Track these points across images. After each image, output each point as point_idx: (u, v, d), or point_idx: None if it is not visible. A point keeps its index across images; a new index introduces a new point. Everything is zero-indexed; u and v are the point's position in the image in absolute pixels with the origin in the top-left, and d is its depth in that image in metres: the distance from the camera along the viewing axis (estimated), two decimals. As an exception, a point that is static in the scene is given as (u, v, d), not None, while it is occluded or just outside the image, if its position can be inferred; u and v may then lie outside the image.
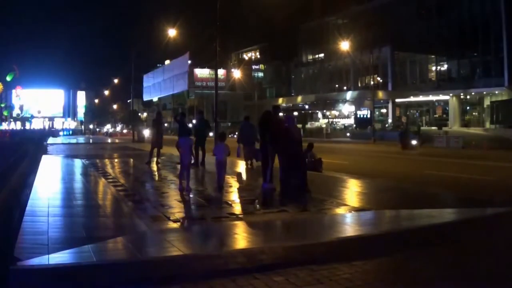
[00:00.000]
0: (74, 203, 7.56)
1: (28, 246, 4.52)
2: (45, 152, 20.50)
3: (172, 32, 33.63)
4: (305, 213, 6.71)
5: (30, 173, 11.97)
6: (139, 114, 75.55)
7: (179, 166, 9.20)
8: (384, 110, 51.14)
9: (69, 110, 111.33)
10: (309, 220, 6.33)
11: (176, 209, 6.83)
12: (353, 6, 50.23)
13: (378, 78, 50.42)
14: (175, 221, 5.98)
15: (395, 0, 45.69)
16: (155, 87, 48.83)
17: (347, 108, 52.14)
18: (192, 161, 13.15)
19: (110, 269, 4.06)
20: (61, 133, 63.83)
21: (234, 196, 8.40)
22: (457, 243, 5.52)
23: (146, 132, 36.30)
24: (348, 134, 43.01)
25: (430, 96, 45.70)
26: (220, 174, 8.75)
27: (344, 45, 42.43)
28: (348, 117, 52.37)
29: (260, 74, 74.67)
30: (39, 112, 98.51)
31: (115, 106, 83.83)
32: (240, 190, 8.95)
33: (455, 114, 43.84)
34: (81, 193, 8.91)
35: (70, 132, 70.58)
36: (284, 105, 61.45)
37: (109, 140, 43.32)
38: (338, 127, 51.49)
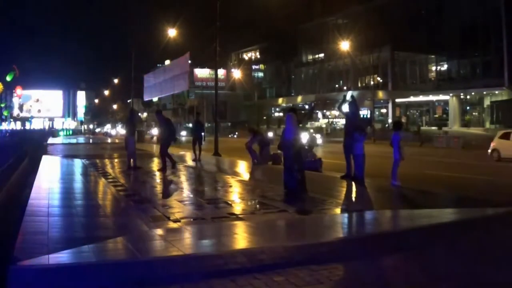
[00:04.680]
0: (74, 203, 7.55)
1: (28, 246, 4.51)
2: (45, 152, 20.48)
3: (172, 32, 33.66)
4: (305, 213, 6.71)
5: (30, 173, 11.96)
6: (139, 114, 75.47)
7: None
8: (384, 110, 51.14)
9: (69, 110, 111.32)
10: (309, 220, 6.33)
11: (176, 209, 6.83)
12: (353, 6, 50.21)
13: (378, 78, 50.42)
14: (175, 221, 5.97)
15: (395, 0, 45.67)
16: (156, 87, 48.80)
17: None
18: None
19: (110, 269, 4.06)
20: (61, 133, 63.63)
21: (234, 196, 8.40)
22: (457, 243, 5.51)
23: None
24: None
25: (430, 96, 45.69)
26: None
27: (344, 45, 42.42)
28: (348, 117, 52.28)
29: (260, 74, 74.61)
30: (39, 111, 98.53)
31: (115, 106, 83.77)
32: (245, 188, 8.95)
33: (455, 114, 43.82)
34: (81, 193, 8.91)
35: (70, 132, 70.47)
36: (284, 105, 61.49)
37: (109, 140, 43.30)
38: (338, 127, 51.43)
